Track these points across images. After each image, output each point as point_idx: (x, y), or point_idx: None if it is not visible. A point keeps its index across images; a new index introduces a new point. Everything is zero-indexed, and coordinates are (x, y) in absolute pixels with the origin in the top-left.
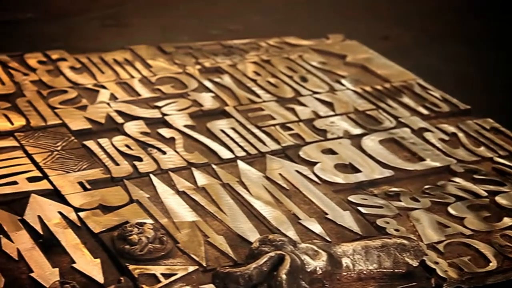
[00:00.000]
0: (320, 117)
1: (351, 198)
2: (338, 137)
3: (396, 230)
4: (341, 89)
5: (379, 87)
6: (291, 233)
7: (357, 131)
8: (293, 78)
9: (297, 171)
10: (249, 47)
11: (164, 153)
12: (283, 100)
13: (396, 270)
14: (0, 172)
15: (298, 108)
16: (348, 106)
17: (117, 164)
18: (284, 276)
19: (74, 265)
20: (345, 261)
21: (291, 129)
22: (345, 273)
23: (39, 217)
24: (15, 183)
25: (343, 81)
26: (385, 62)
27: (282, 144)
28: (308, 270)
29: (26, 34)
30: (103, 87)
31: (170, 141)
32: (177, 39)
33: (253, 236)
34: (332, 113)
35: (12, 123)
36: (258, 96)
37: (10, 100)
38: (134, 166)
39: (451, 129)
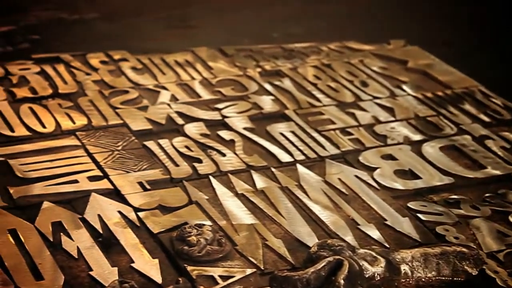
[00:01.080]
0: (380, 122)
1: (411, 204)
2: (398, 143)
3: (456, 238)
4: (402, 95)
5: (440, 93)
6: (350, 238)
7: (417, 137)
8: (354, 83)
9: (356, 176)
10: (310, 51)
11: (223, 155)
12: (343, 104)
13: (455, 278)
14: (62, 171)
15: (358, 113)
16: (409, 112)
17: (177, 165)
18: (342, 281)
19: (132, 264)
20: (404, 268)
21: (351, 133)
22: (403, 280)
23: (99, 216)
24: (76, 181)
25: (404, 86)
26: (447, 68)
27: (341, 148)
28: (366, 276)
29: (90, 33)
30: (164, 88)
31: (230, 143)
32: (239, 42)
33: (311, 240)
34: (392, 118)
35: (74, 122)
36: (318, 100)
37: (72, 99)
38: (194, 168)
39: None
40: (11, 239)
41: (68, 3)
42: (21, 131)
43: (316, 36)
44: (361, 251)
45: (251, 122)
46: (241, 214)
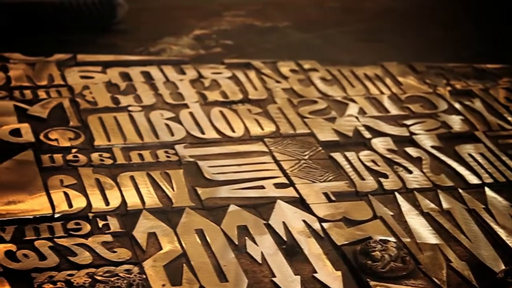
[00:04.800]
0: None
1: None
2: None
3: None
4: None
5: None
6: None
7: None
8: None
9: None
10: (503, 72)
11: (410, 172)
12: None
13: None
14: (249, 175)
15: None
16: None
17: (363, 179)
18: None
19: (315, 274)
20: None
21: None
22: None
23: (284, 223)
24: (262, 187)
25: None
26: None
27: None
28: None
29: (282, 42)
30: (353, 100)
31: (417, 161)
32: (428, 59)
33: (496, 265)
34: None
35: (262, 128)
36: (509, 123)
37: (262, 106)
38: (379, 182)
39: None
40: (197, 239)
41: (262, 10)
42: (211, 134)
43: (509, 57)
44: None
45: (439, 141)
46: (426, 233)
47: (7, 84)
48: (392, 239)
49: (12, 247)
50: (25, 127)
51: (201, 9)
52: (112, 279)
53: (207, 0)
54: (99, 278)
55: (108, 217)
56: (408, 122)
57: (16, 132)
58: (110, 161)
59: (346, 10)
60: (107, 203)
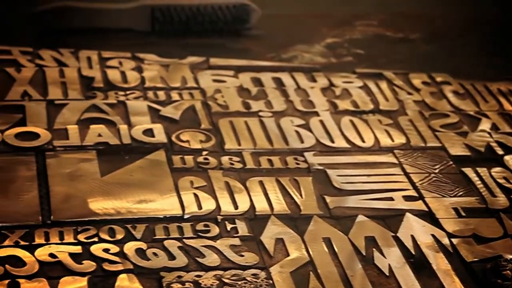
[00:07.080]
0: None
1: None
2: None
3: None
4: None
5: None
6: None
7: None
8: None
9: None
10: None
11: None
12: None
13: None
14: (378, 186)
15: None
16: None
17: (494, 196)
18: None
19: None
20: None
21: None
22: None
23: (412, 236)
24: (391, 199)
25: None
26: None
27: None
28: None
29: (413, 53)
30: (485, 115)
31: None
32: None
33: None
34: None
35: (392, 140)
36: None
37: (392, 117)
38: (511, 200)
39: None
40: (325, 247)
41: (393, 21)
42: (340, 143)
43: None
44: None
45: None
46: None
47: (141, 84)
48: None
49: (142, 245)
50: (157, 128)
51: (333, 17)
52: (239, 282)
53: (339, 9)
54: (226, 281)
55: (237, 221)
56: None
57: (149, 132)
58: (239, 165)
59: (471, 21)
60: (236, 207)
